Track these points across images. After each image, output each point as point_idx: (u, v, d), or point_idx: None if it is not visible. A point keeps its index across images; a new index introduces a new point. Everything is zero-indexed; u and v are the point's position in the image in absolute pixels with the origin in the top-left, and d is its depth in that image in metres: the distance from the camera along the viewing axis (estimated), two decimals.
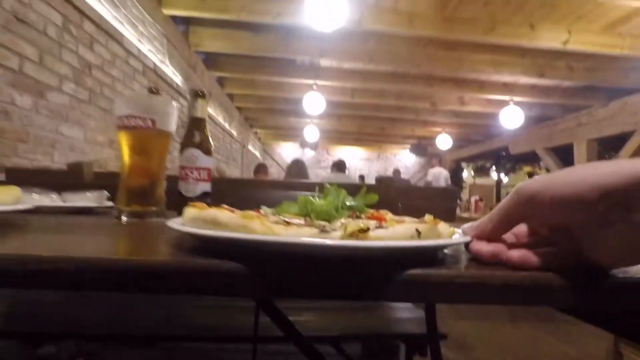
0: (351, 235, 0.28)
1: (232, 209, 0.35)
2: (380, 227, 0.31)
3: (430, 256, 0.33)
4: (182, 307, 1.24)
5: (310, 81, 4.81)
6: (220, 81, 5.33)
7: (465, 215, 5.46)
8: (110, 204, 0.80)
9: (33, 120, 1.89)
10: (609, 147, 5.74)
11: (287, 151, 10.55)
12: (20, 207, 0.52)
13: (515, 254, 0.31)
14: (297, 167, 3.96)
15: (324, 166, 10.22)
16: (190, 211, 0.36)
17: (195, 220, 0.34)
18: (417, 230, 0.31)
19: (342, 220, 0.36)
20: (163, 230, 0.51)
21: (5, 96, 1.71)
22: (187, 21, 3.74)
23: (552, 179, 0.30)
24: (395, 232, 0.30)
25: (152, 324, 1.15)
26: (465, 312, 3.23)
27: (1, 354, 1.69)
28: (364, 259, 0.29)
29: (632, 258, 0.29)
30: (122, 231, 0.52)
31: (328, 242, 0.27)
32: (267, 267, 0.28)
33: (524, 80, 4.66)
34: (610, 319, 0.37)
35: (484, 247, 0.33)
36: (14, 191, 0.56)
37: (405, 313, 1.28)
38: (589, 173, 0.28)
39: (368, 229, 0.29)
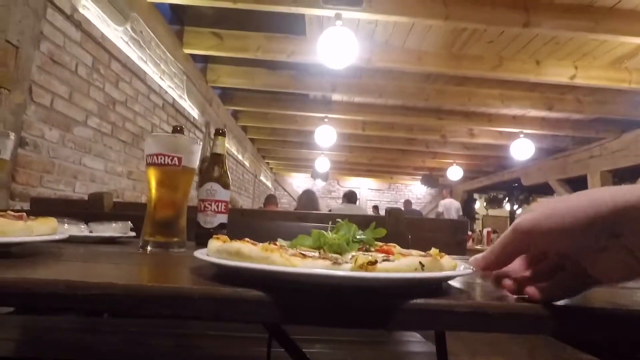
0: (361, 267, 0.31)
1: (254, 242, 0.39)
2: (387, 259, 0.34)
3: (434, 287, 0.36)
4: (194, 337, 1.26)
5: (322, 115, 4.95)
6: (235, 114, 5.52)
7: (479, 247, 5.36)
8: (133, 234, 0.85)
9: (59, 153, 2.00)
10: (624, 178, 5.65)
11: (298, 182, 10.64)
12: (57, 237, 0.57)
13: (531, 290, 0.34)
14: (308, 197, 3.99)
15: (335, 197, 10.24)
16: (214, 243, 0.40)
17: (220, 251, 0.38)
18: (420, 263, 0.34)
19: (353, 253, 0.39)
20: (186, 260, 0.55)
21: (36, 131, 1.83)
22: (205, 59, 3.95)
23: (545, 213, 0.33)
24: (400, 264, 0.33)
25: (164, 352, 1.16)
26: (480, 349, 3.11)
27: None
28: (371, 289, 0.32)
29: (629, 275, 0.32)
30: (149, 260, 0.56)
31: (338, 273, 0.31)
32: (285, 296, 0.31)
33: (533, 113, 4.71)
34: (606, 349, 0.38)
35: (507, 282, 0.36)
36: (51, 222, 0.61)
37: (417, 347, 1.26)
38: (578, 205, 0.31)
39: (376, 261, 0.32)
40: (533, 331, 0.32)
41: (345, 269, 0.32)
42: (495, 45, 3.28)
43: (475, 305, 0.31)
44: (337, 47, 2.80)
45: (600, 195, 0.31)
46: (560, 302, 0.36)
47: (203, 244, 0.44)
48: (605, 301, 0.36)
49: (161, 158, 0.64)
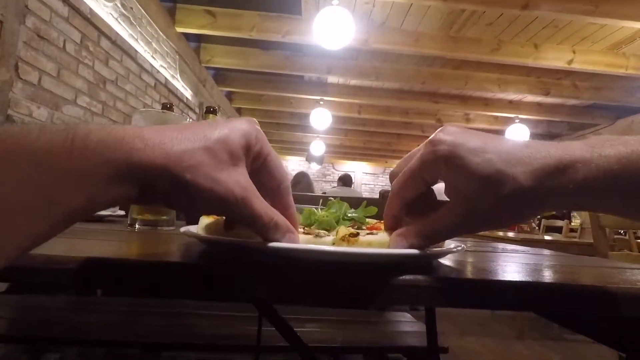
0: (342, 239, 0.30)
1: None
2: (371, 234, 0.34)
3: (419, 264, 0.36)
4: (184, 316, 1.26)
5: (317, 97, 4.90)
6: (229, 95, 5.44)
7: None
8: (122, 212, 0.84)
9: None
10: None
11: (293, 165, 10.62)
12: None
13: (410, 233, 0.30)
14: (302, 180, 3.98)
15: (330, 180, 10.25)
16: (204, 220, 0.39)
17: (209, 227, 0.37)
18: None
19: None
20: (175, 237, 0.54)
21: (24, 109, 1.78)
22: (198, 38, 3.86)
23: (477, 148, 0.28)
24: (383, 237, 0.32)
25: (155, 331, 1.17)
26: (470, 329, 3.18)
27: (7, 359, 1.71)
28: (352, 264, 0.31)
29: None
30: (136, 237, 0.55)
31: (319, 248, 0.29)
32: (267, 272, 0.30)
33: (530, 98, 4.70)
34: (588, 325, 0.39)
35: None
36: None
37: (407, 327, 1.28)
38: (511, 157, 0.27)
39: (358, 233, 0.31)
40: (521, 308, 0.32)
41: (326, 242, 0.31)
42: (494, 28, 3.24)
43: (464, 282, 0.30)
44: (333, 27, 2.75)
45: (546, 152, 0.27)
46: (550, 280, 0.36)
47: (194, 223, 0.43)
48: (594, 279, 0.36)
49: None
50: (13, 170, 0.20)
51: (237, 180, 0.26)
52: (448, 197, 0.31)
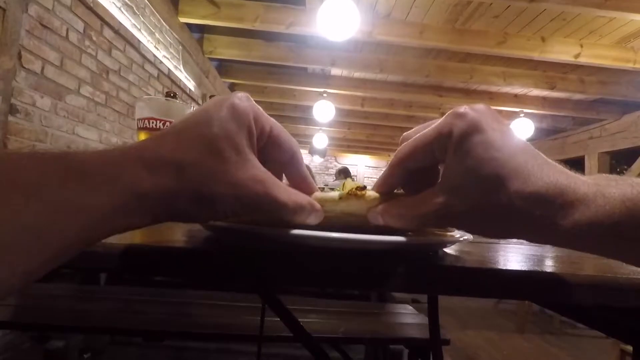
0: (349, 194, 0.29)
1: None
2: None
3: (428, 252, 0.35)
4: (188, 305, 1.27)
5: (321, 89, 4.87)
6: (232, 87, 5.41)
7: None
8: None
9: (51, 121, 1.96)
10: (621, 160, 5.67)
11: None
12: None
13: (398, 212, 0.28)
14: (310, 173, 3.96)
15: (332, 173, 10.25)
16: None
17: None
18: None
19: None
20: (176, 225, 0.54)
21: (27, 98, 1.78)
22: (201, 29, 3.83)
23: (504, 146, 0.25)
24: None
25: (158, 320, 1.19)
26: (471, 322, 3.19)
27: (12, 346, 1.73)
28: (364, 251, 0.31)
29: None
30: None
31: (329, 235, 0.29)
32: (276, 258, 0.30)
33: (535, 92, 4.65)
34: (594, 317, 0.38)
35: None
36: None
37: (409, 319, 1.29)
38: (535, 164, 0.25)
39: (365, 187, 0.30)
40: (526, 298, 0.32)
41: (333, 197, 0.30)
42: (501, 21, 3.19)
43: (469, 270, 0.30)
44: (337, 18, 2.72)
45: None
46: (555, 270, 0.35)
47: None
48: (600, 269, 0.36)
49: (153, 122, 0.62)
50: None
51: (253, 175, 0.25)
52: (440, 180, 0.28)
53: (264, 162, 0.26)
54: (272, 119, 0.28)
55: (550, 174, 0.25)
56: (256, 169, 0.25)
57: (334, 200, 0.30)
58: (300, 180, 0.30)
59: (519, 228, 0.26)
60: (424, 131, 0.29)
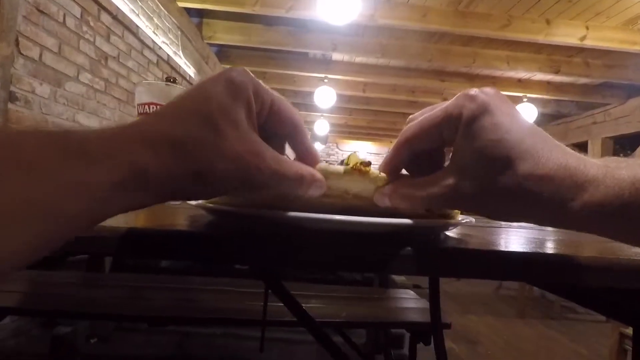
0: (353, 169, 0.29)
1: None
2: None
3: (432, 237, 0.35)
4: (192, 291, 1.29)
5: (322, 75, 4.81)
6: None
7: None
8: None
9: (51, 109, 1.95)
10: (626, 145, 5.63)
11: None
12: None
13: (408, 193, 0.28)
14: None
15: (334, 160, 10.23)
16: None
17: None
18: None
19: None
20: (182, 210, 0.54)
21: (26, 85, 1.77)
22: (200, 13, 3.77)
23: (512, 129, 0.25)
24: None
25: (162, 306, 1.20)
26: (472, 308, 3.23)
27: (22, 332, 1.77)
28: (367, 234, 0.31)
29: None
30: (144, 211, 0.55)
31: (333, 217, 0.29)
32: (272, 241, 0.30)
33: (539, 76, 4.59)
34: (595, 299, 0.38)
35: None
36: None
37: (410, 303, 1.30)
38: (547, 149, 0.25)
39: (370, 163, 0.30)
40: (527, 280, 0.32)
41: (337, 170, 0.30)
42: (504, 3, 3.13)
43: (472, 252, 0.30)
44: (338, 1, 2.67)
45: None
46: (557, 252, 0.35)
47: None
48: (602, 251, 0.36)
49: (153, 108, 0.62)
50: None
51: (251, 149, 0.24)
52: (449, 161, 0.28)
53: (267, 138, 0.26)
54: (274, 92, 0.27)
55: (559, 156, 0.25)
56: (255, 143, 0.25)
57: (339, 173, 0.29)
58: (306, 152, 0.29)
59: (528, 210, 0.26)
60: (432, 112, 0.28)
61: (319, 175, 0.27)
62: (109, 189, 0.20)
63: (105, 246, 0.31)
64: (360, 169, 0.29)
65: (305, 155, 0.29)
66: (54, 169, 0.19)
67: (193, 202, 0.38)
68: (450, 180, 0.27)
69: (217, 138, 0.23)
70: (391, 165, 0.30)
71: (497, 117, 0.25)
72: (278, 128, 0.28)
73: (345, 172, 0.29)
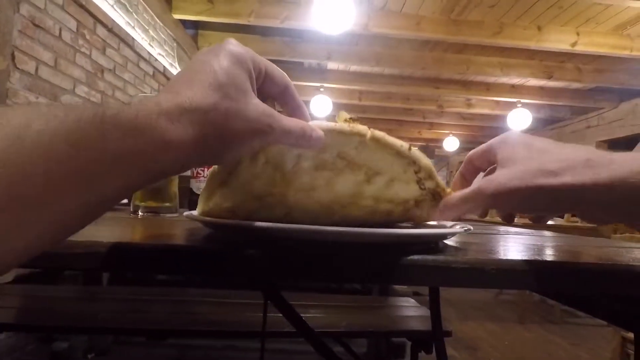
0: (345, 122, 0.32)
1: None
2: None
3: (431, 245, 0.35)
4: (191, 303, 1.28)
5: (318, 84, 4.85)
6: None
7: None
8: (125, 200, 0.84)
9: None
10: (620, 148, 5.68)
11: None
12: None
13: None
14: None
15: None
16: (201, 205, 0.39)
17: (210, 207, 0.36)
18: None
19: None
20: (178, 223, 0.54)
21: (22, 99, 1.77)
22: (196, 25, 3.80)
23: (514, 175, 0.33)
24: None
25: (160, 319, 1.19)
26: (472, 314, 3.22)
27: (18, 348, 1.74)
28: (364, 244, 0.31)
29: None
30: (140, 223, 0.55)
31: (332, 229, 0.29)
32: (276, 251, 0.30)
33: (533, 82, 4.64)
34: (596, 305, 0.38)
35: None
36: None
37: (411, 311, 1.29)
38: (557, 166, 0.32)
39: (357, 118, 0.33)
40: (528, 288, 0.32)
41: (329, 125, 0.31)
42: (496, 10, 3.18)
43: (472, 261, 0.30)
44: (332, 11, 2.70)
45: (580, 161, 0.31)
46: (557, 259, 0.35)
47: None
48: (602, 258, 0.36)
49: None
50: (44, 149, 0.19)
51: (263, 110, 0.27)
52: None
53: (262, 100, 0.29)
54: (264, 59, 0.30)
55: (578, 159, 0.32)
56: (263, 106, 0.28)
57: (330, 130, 0.31)
58: (296, 108, 0.33)
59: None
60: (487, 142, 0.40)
61: (319, 130, 0.30)
62: (143, 160, 0.23)
63: (103, 262, 0.30)
64: (350, 122, 0.32)
65: (297, 110, 0.33)
66: (94, 141, 0.21)
67: (188, 214, 0.38)
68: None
69: (234, 104, 0.26)
70: (460, 177, 0.43)
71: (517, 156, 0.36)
72: (270, 89, 0.31)
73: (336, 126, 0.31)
